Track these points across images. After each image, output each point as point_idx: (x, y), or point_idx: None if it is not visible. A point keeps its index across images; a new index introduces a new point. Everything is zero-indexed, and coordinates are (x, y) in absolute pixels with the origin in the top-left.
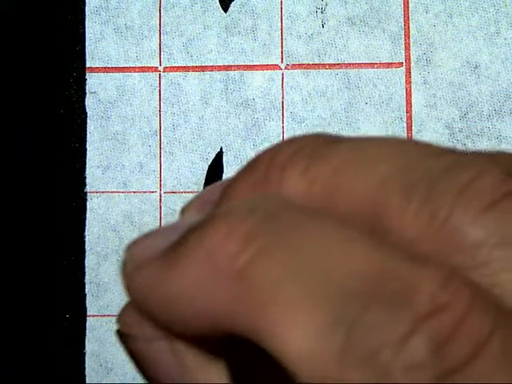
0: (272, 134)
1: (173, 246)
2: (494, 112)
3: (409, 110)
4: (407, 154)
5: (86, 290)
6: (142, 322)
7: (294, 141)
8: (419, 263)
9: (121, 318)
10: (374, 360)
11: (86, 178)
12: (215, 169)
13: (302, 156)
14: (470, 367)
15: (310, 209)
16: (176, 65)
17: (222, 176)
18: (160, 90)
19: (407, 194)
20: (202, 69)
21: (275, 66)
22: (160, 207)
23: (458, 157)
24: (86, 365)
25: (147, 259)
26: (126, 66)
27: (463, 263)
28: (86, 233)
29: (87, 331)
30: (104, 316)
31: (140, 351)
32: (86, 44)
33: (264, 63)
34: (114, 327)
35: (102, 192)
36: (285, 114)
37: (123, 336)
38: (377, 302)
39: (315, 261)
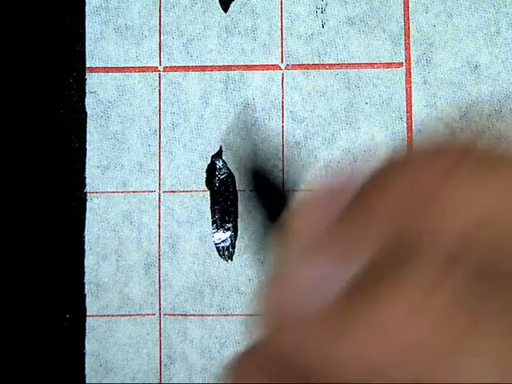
0: (272, 134)
1: (342, 312)
2: (493, 112)
3: (409, 110)
4: None
5: (86, 290)
6: (262, 375)
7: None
8: None
9: (238, 370)
10: None
11: (85, 177)
12: (215, 168)
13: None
14: None
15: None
16: (176, 65)
17: (221, 176)
18: (160, 90)
19: None
20: (202, 69)
21: (275, 66)
22: (159, 207)
23: None
24: (86, 365)
25: (300, 320)
26: (125, 65)
27: None
28: (85, 233)
29: (87, 331)
30: (104, 316)
31: None
32: (86, 44)
33: (264, 63)
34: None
35: (102, 192)
36: (285, 114)
37: None
38: None
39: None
